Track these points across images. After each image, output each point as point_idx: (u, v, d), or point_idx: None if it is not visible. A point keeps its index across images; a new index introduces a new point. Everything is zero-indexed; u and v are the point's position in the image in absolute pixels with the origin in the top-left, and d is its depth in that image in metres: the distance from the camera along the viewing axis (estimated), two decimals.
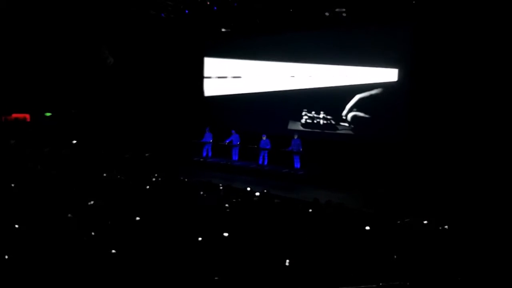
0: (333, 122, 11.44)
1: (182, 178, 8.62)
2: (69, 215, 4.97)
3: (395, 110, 10.20)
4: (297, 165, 11.23)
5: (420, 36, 9.64)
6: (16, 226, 4.67)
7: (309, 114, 11.88)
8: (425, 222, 5.51)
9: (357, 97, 10.88)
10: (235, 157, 12.39)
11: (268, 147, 11.63)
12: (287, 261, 3.86)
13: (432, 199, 7.75)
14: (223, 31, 13.02)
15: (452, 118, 9.14)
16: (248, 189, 7.52)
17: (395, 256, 4.20)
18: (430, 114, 9.49)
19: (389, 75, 10.26)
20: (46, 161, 9.46)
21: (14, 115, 12.51)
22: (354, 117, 11.03)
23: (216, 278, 3.54)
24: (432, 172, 8.99)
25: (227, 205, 6.01)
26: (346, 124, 11.19)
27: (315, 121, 11.77)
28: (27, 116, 12.73)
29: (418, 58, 9.69)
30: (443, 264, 4.05)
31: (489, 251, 4.40)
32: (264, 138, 11.70)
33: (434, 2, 9.12)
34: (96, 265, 3.73)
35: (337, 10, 10.26)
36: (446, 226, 5.30)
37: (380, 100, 10.46)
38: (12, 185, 6.68)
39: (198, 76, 14.04)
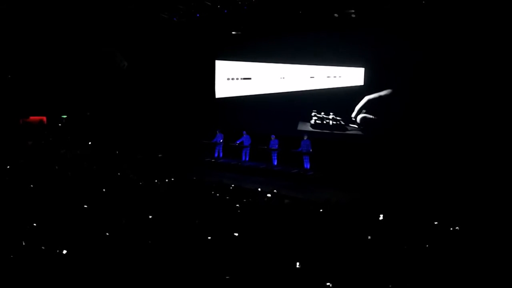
0: (342, 123, 11.44)
1: (193, 178, 8.76)
2: None
3: (403, 111, 10.15)
4: (307, 165, 11.27)
5: (427, 39, 9.61)
6: (34, 224, 4.86)
7: (318, 115, 11.91)
8: (436, 223, 5.49)
9: (366, 99, 10.87)
10: (246, 157, 12.50)
11: (275, 147, 11.71)
12: (297, 263, 3.90)
13: (442, 200, 7.69)
14: (234, 34, 13.14)
15: (459, 118, 9.11)
16: (259, 189, 7.60)
17: (403, 257, 4.21)
18: (437, 114, 9.44)
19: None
20: (63, 162, 9.73)
21: (32, 118, 12.88)
22: (363, 118, 11.02)
23: (227, 277, 3.62)
24: (442, 172, 8.94)
25: (237, 205, 6.10)
26: (355, 126, 11.17)
27: (324, 122, 11.79)
28: (44, 118, 13.10)
29: (423, 60, 9.66)
30: (453, 266, 4.03)
31: (499, 253, 4.36)
32: (273, 138, 11.80)
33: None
34: (110, 262, 3.86)
35: (347, 11, 10.28)
36: (457, 227, 5.27)
37: (388, 101, 10.42)
38: (31, 185, 6.92)
39: (210, 79, 14.21)
